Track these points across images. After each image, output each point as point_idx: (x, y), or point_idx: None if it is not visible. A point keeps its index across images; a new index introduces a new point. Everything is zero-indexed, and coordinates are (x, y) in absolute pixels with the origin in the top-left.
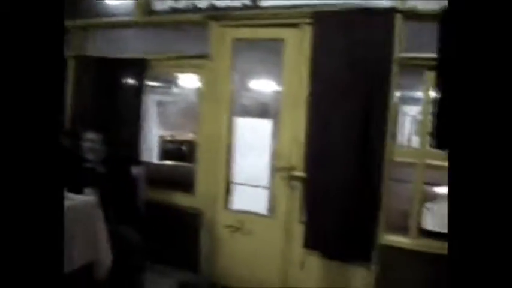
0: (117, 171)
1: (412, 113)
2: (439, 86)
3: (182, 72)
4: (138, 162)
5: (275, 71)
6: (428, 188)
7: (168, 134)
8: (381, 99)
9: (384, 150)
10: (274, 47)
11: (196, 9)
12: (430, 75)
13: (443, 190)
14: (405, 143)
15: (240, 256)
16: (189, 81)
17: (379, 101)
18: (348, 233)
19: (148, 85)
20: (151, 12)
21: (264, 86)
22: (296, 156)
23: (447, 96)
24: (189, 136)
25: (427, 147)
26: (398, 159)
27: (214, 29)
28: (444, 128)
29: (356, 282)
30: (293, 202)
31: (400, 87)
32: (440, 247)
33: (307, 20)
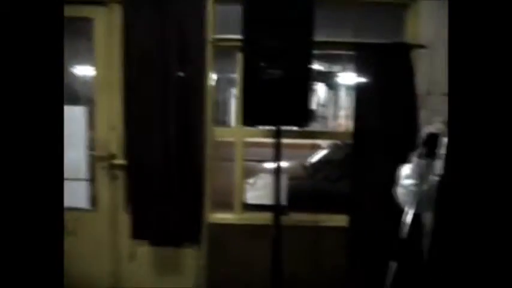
0: None
1: None
2: (244, 66)
3: None
4: None
5: (87, 54)
6: (257, 164)
7: None
8: (198, 81)
9: (204, 131)
10: (84, 27)
11: None
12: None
13: (270, 166)
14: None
15: (65, 258)
16: None
17: (196, 83)
18: (175, 217)
19: None
20: None
21: (75, 70)
22: (115, 143)
23: (251, 76)
24: None
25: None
26: (224, 139)
27: None
28: (249, 106)
29: (188, 263)
30: (116, 192)
31: (223, 70)
32: (261, 218)
33: None
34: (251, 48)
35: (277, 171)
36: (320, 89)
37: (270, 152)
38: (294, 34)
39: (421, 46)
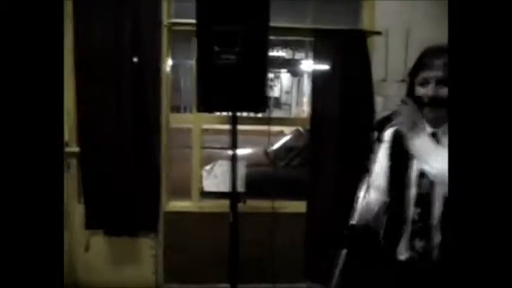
0: None
1: None
2: (198, 51)
3: None
4: None
5: None
6: (220, 151)
7: None
8: (153, 66)
9: (160, 118)
10: None
11: None
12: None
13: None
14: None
15: None
16: None
17: (151, 68)
18: (131, 206)
19: None
20: None
21: None
22: (68, 130)
23: (205, 61)
24: None
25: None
26: (182, 125)
27: None
28: (204, 92)
29: (145, 252)
30: (69, 181)
31: (187, 56)
32: (218, 205)
33: None
34: (205, 33)
35: (234, 158)
36: (284, 76)
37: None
38: (250, 19)
39: (377, 33)
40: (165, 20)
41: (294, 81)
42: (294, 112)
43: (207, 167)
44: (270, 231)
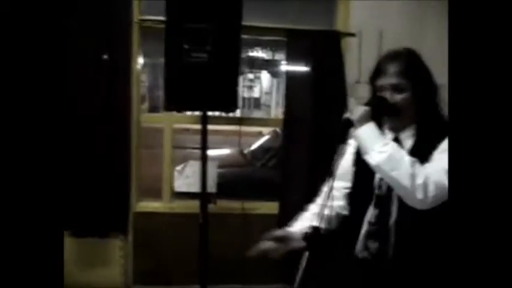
0: None
1: None
2: (166, 49)
3: None
4: None
5: None
6: (197, 152)
7: None
8: (124, 64)
9: (130, 117)
10: None
11: None
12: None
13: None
14: None
15: None
16: None
17: (121, 68)
18: (99, 207)
19: None
20: None
21: None
22: None
23: (174, 59)
24: None
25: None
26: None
27: None
28: (173, 90)
29: (114, 253)
30: None
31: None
32: (189, 206)
33: None
34: (175, 30)
35: (204, 158)
36: (264, 77)
37: (211, 138)
38: (222, 17)
39: (351, 34)
40: (136, 17)
41: (274, 82)
42: (274, 113)
43: (179, 167)
44: (241, 232)
